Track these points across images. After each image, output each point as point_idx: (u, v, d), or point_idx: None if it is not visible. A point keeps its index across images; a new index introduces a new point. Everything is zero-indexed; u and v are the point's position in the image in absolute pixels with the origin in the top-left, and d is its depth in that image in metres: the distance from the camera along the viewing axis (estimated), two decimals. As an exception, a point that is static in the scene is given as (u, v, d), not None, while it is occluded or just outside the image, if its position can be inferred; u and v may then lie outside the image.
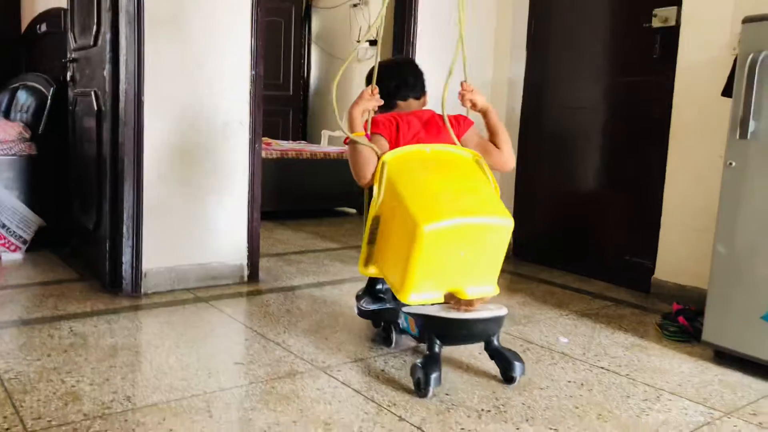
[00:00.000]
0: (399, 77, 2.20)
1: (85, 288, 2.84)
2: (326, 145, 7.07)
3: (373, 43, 7.29)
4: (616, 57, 3.49)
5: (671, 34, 3.11)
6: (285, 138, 7.33)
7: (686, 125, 3.07)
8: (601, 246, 3.54)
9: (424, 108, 2.21)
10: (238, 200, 3.03)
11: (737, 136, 2.22)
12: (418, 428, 1.70)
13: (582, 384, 2.07)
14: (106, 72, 2.72)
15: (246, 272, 3.07)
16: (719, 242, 2.30)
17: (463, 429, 1.72)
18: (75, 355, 2.06)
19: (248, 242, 3.07)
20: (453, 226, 1.73)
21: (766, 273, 2.16)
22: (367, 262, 1.96)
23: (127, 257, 2.73)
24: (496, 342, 2.00)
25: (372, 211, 1.86)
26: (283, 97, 7.80)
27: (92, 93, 2.89)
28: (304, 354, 2.19)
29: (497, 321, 1.96)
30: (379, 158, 1.91)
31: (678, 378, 2.17)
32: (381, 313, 2.28)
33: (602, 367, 2.23)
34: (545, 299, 3.07)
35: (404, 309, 2.04)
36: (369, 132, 2.01)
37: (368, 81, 2.12)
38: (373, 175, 1.90)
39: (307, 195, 5.18)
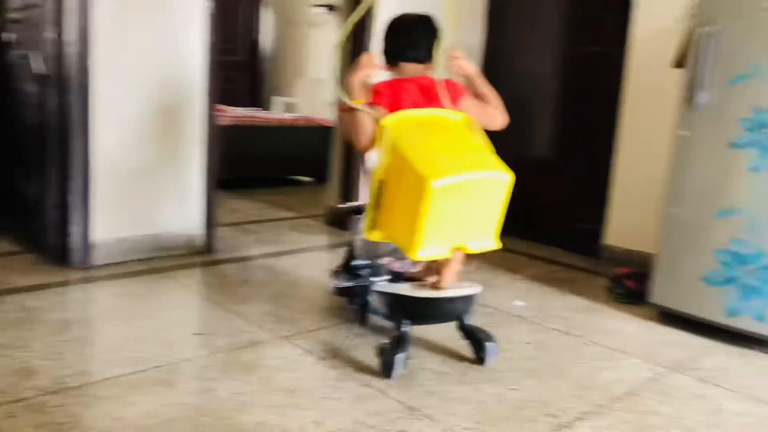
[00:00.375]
0: (407, 36, 2.06)
1: (30, 260, 2.74)
2: (280, 111, 6.97)
3: (330, 8, 7.17)
4: (571, 28, 3.52)
5: (625, 5, 3.15)
6: (235, 105, 7.18)
7: (638, 95, 3.14)
8: (553, 213, 3.62)
9: (427, 74, 2.08)
10: (194, 169, 2.96)
11: (688, 107, 2.29)
12: (382, 392, 1.73)
13: (538, 345, 2.14)
14: (51, 33, 2.59)
15: (202, 242, 3.02)
16: (669, 208, 2.39)
17: (426, 391, 1.76)
18: (25, 329, 2.00)
19: (205, 211, 3.02)
20: (458, 182, 1.71)
21: (708, 237, 2.25)
22: (373, 227, 1.88)
23: (76, 228, 2.65)
24: (467, 321, 1.98)
25: (376, 176, 1.81)
26: (233, 62, 7.60)
27: (35, 56, 2.75)
28: (265, 323, 2.18)
29: (467, 300, 1.94)
30: (377, 123, 1.88)
31: (626, 337, 2.26)
32: (356, 290, 2.20)
33: (557, 329, 2.31)
34: (499, 264, 3.14)
35: (375, 287, 2.03)
36: (369, 101, 1.95)
37: (385, 39, 2.09)
38: (370, 141, 1.90)
39: (261, 163, 5.10)
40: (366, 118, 1.89)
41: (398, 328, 1.89)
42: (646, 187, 3.09)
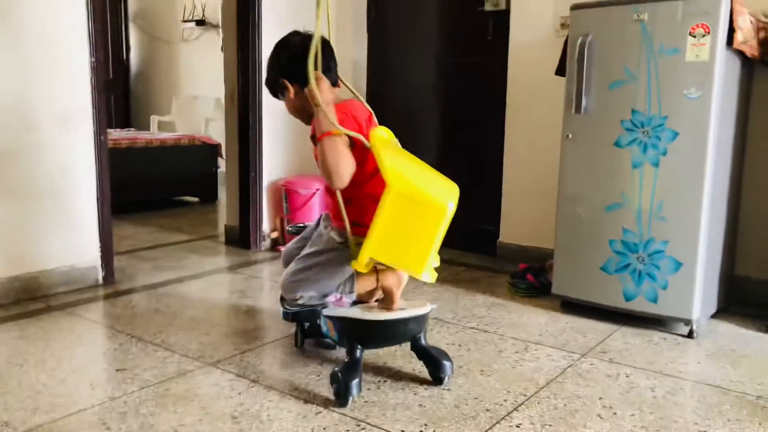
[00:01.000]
0: (324, 59, 1.80)
1: None
2: (156, 131, 6.71)
3: (199, 23, 7.01)
4: (453, 39, 3.71)
5: (502, 17, 3.37)
6: (108, 126, 6.83)
7: (519, 100, 3.37)
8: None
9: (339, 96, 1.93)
10: (85, 198, 2.81)
11: (573, 111, 2.50)
12: (324, 407, 1.75)
13: (460, 345, 2.25)
14: None
15: (101, 273, 2.87)
16: (562, 205, 2.59)
17: (366, 401, 1.79)
18: None
19: (100, 241, 2.87)
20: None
21: (601, 230, 2.47)
22: (370, 255, 1.70)
23: (-40, 270, 2.43)
24: (422, 341, 1.92)
25: (383, 207, 1.64)
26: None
27: None
28: (189, 351, 2.12)
29: (420, 320, 1.90)
30: (356, 146, 1.76)
31: (537, 329, 2.42)
32: (301, 315, 2.07)
33: (472, 327, 2.43)
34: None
35: (324, 312, 1.94)
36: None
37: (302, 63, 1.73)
38: (352, 172, 1.72)
39: (146, 185, 4.89)
40: (342, 145, 1.69)
41: (351, 352, 1.83)
42: (534, 186, 3.32)
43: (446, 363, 1.91)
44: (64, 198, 2.73)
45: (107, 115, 6.30)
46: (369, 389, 1.87)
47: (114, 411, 1.69)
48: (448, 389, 1.89)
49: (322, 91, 1.70)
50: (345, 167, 1.69)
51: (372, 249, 1.66)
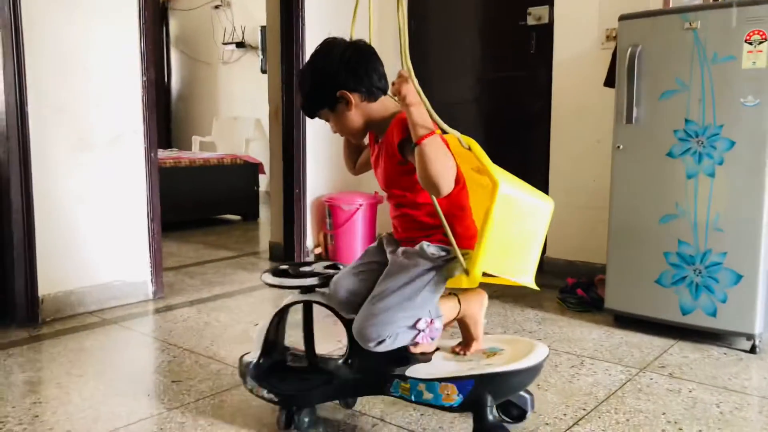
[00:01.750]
0: (380, 64, 1.66)
1: (-31, 323, 2.55)
2: (198, 150, 6.84)
3: (239, 45, 7.15)
4: (494, 54, 3.71)
5: (545, 31, 3.37)
6: (151, 147, 6.98)
7: (564, 114, 3.34)
8: (493, 231, 3.75)
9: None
10: (136, 214, 2.87)
11: (624, 122, 2.46)
12: (380, 419, 1.73)
13: (513, 360, 2.21)
14: (-20, 82, 2.46)
15: (151, 288, 2.91)
16: (614, 218, 2.55)
17: (422, 415, 1.77)
18: (-13, 395, 1.86)
19: (150, 257, 2.92)
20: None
21: (656, 242, 2.42)
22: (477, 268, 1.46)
23: (19, 284, 2.49)
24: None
25: (491, 210, 1.43)
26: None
27: None
28: (242, 364, 2.13)
29: (537, 370, 1.61)
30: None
31: (591, 344, 2.37)
32: (297, 398, 1.67)
33: (525, 343, 2.39)
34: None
35: (426, 375, 1.57)
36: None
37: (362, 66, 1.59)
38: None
39: (188, 204, 4.97)
40: (452, 161, 1.44)
41: (490, 414, 1.52)
42: (581, 200, 3.28)
43: (528, 396, 1.71)
44: (116, 214, 2.79)
45: (153, 135, 6.36)
46: (420, 408, 1.85)
47: (173, 421, 1.70)
48: (505, 403, 1.85)
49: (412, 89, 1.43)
50: (452, 170, 1.41)
51: (485, 258, 1.44)
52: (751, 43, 2.18)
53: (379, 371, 1.59)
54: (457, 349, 1.70)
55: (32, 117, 2.47)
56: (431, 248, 1.53)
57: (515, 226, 1.51)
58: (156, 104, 2.92)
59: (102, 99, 2.70)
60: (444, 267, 1.53)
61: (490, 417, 1.50)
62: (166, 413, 1.75)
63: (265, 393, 1.63)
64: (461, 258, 1.48)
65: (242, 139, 6.97)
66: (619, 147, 2.51)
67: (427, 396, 1.55)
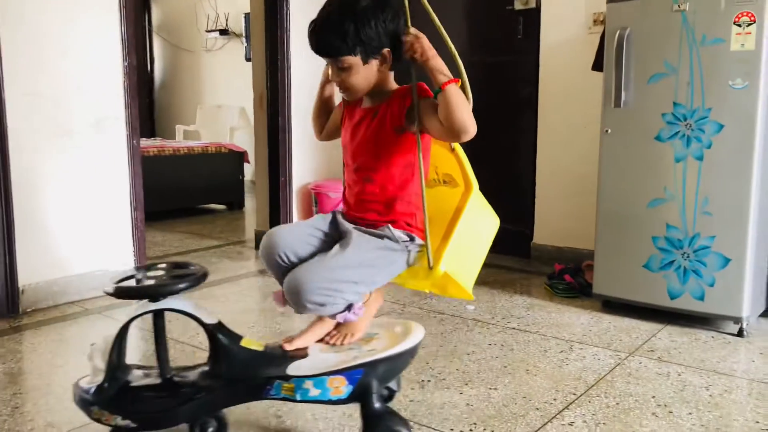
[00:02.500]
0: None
1: (-53, 314, 2.49)
2: (182, 139, 6.75)
3: (223, 32, 7.06)
4: (481, 39, 3.67)
5: (533, 16, 3.34)
6: (134, 136, 6.88)
7: (552, 99, 3.32)
8: (481, 218, 3.73)
9: None
10: (119, 203, 2.81)
11: (612, 106, 2.45)
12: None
13: (502, 345, 2.20)
14: (-46, 67, 2.39)
15: (135, 278, 2.86)
16: (602, 202, 2.53)
17: (411, 401, 1.75)
18: (-34, 387, 1.82)
19: (134, 246, 2.87)
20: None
21: (644, 227, 2.41)
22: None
23: (-1, 274, 2.44)
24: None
25: (461, 210, 1.52)
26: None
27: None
28: (228, 353, 2.10)
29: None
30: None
31: (580, 329, 2.37)
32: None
33: (513, 328, 2.38)
34: (440, 273, 3.19)
35: (311, 371, 1.46)
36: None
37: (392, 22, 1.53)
38: None
39: (173, 193, 4.90)
40: None
41: (377, 401, 1.46)
42: (569, 186, 3.27)
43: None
44: (98, 203, 2.74)
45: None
46: (413, 389, 1.83)
47: (158, 411, 1.67)
48: (495, 388, 1.84)
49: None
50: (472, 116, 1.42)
51: (450, 256, 1.45)
52: (739, 25, 2.17)
53: (255, 375, 1.45)
54: (333, 340, 1.55)
55: (9, 103, 2.41)
56: (397, 232, 1.48)
57: (475, 233, 1.55)
58: (138, 92, 2.86)
59: (81, 84, 2.64)
60: (409, 253, 1.50)
61: (378, 404, 1.45)
62: (150, 403, 1.72)
63: (119, 420, 1.39)
64: (430, 248, 1.45)
65: (227, 128, 6.90)
66: (607, 131, 2.49)
67: (314, 392, 1.45)
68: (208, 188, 5.34)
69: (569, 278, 2.86)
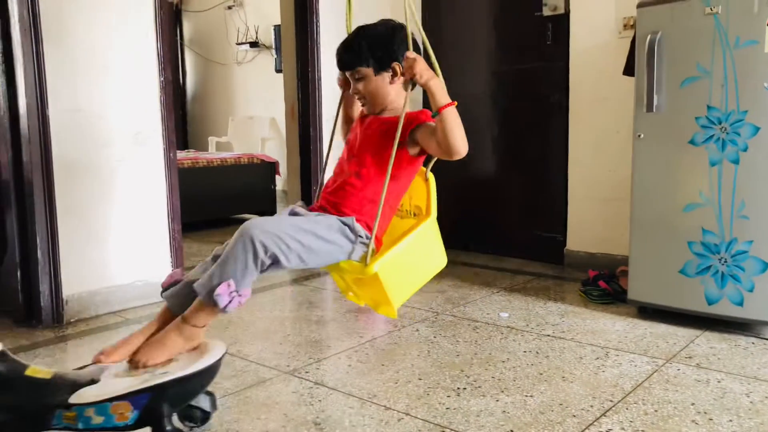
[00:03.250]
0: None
1: (-5, 324, 2.58)
2: (214, 151, 6.87)
3: (253, 45, 7.18)
4: (510, 46, 3.68)
5: (562, 21, 3.33)
6: (168, 148, 7.02)
7: (582, 104, 3.31)
8: (512, 226, 3.73)
9: None
10: (156, 214, 2.88)
11: (644, 110, 2.43)
12: (406, 414, 1.73)
13: (537, 352, 2.19)
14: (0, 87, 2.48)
15: (173, 288, 2.92)
16: (635, 208, 2.51)
17: (448, 408, 1.76)
18: (15, 395, 1.88)
19: (171, 257, 2.93)
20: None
21: (679, 232, 2.39)
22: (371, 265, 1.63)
23: (44, 286, 2.51)
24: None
25: (412, 230, 1.73)
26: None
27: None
28: (265, 360, 2.13)
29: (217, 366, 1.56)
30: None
31: (616, 335, 2.35)
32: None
33: (548, 335, 2.37)
34: (473, 280, 3.20)
35: (96, 398, 1.42)
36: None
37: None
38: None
39: (206, 204, 4.99)
40: None
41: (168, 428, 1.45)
42: (601, 191, 3.25)
43: (207, 396, 1.65)
44: (137, 215, 2.81)
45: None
46: (449, 396, 1.84)
47: (199, 418, 1.71)
48: (531, 395, 1.84)
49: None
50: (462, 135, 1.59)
51: (390, 262, 1.62)
52: (774, 27, 2.14)
53: (37, 404, 1.42)
54: (133, 361, 1.54)
55: (53, 119, 2.49)
56: (357, 226, 1.65)
57: (417, 256, 1.70)
58: (173, 105, 2.93)
59: (120, 99, 2.72)
60: (354, 248, 1.64)
61: (168, 428, 1.42)
62: (191, 410, 1.76)
63: None
64: (371, 249, 1.62)
65: (258, 139, 7.00)
66: (639, 136, 2.48)
67: (97, 420, 1.41)
68: (241, 198, 5.42)
69: (604, 284, 2.84)
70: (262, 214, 5.59)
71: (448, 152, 1.60)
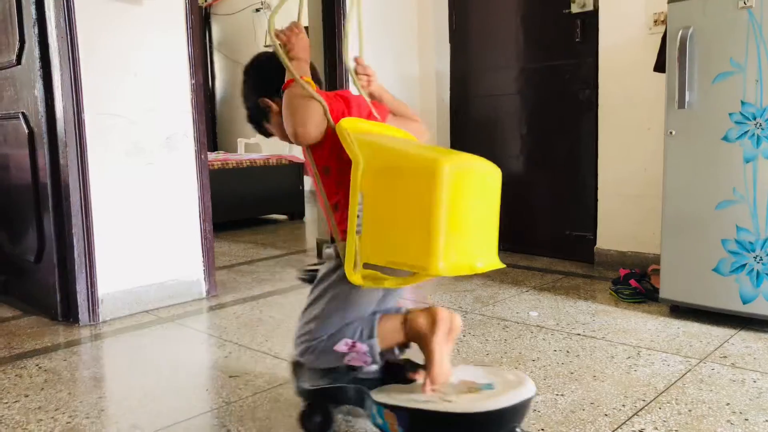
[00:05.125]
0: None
1: (34, 323, 2.64)
2: (243, 152, 6.94)
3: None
4: (538, 43, 3.66)
5: (591, 18, 3.31)
6: (198, 150, 7.12)
7: (612, 102, 3.27)
8: (542, 224, 3.71)
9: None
10: (189, 215, 2.93)
11: (676, 107, 2.40)
12: (436, 413, 1.73)
13: (568, 351, 2.18)
14: (37, 91, 2.55)
15: (205, 287, 2.97)
16: (667, 206, 2.48)
17: (478, 407, 1.76)
18: (55, 391, 1.93)
19: (203, 256, 2.98)
20: (469, 170, 1.35)
21: (713, 229, 2.35)
22: (359, 261, 1.33)
23: (81, 285, 2.57)
24: None
25: (355, 188, 1.33)
26: (191, 108, 7.56)
27: (20, 115, 2.69)
28: (296, 359, 2.16)
29: (526, 405, 1.40)
30: (328, 121, 1.42)
31: (648, 334, 2.32)
32: (328, 393, 1.57)
33: (579, 334, 2.35)
34: (502, 279, 3.19)
35: (377, 398, 1.45)
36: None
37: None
38: (316, 132, 1.41)
39: (237, 205, 5.05)
40: (316, 105, 1.40)
41: None
42: (632, 189, 3.21)
43: None
44: (170, 216, 2.86)
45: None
46: (479, 395, 1.84)
47: (232, 415, 1.74)
48: (562, 395, 1.83)
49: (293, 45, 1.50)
50: (312, 116, 1.38)
51: (353, 247, 1.31)
52: (810, 20, 2.10)
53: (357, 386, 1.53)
54: (416, 377, 1.49)
55: (88, 123, 2.55)
56: (329, 250, 1.49)
57: (394, 204, 1.32)
58: (203, 107, 2.98)
59: (154, 103, 2.77)
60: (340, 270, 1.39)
61: None
62: (225, 407, 1.79)
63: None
64: (340, 251, 1.38)
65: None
66: (671, 133, 2.44)
67: (378, 420, 1.44)
68: (270, 199, 5.48)
69: (635, 283, 2.80)
70: (291, 214, 5.65)
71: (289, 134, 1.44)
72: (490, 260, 1.38)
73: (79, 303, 2.57)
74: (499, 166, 1.44)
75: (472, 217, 1.34)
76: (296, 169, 5.63)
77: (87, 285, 2.58)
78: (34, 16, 2.51)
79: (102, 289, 2.63)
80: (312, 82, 1.45)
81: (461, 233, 1.30)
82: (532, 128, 3.74)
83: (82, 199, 2.55)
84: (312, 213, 5.52)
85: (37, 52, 2.52)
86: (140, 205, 2.76)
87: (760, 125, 2.22)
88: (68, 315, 2.62)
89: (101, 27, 2.59)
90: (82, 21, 2.51)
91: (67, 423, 1.71)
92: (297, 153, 6.53)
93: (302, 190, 5.66)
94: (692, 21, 2.35)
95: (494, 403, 1.35)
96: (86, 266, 2.58)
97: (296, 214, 5.68)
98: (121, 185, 2.69)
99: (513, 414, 1.38)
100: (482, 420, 1.34)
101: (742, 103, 2.26)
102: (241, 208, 5.17)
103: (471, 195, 1.33)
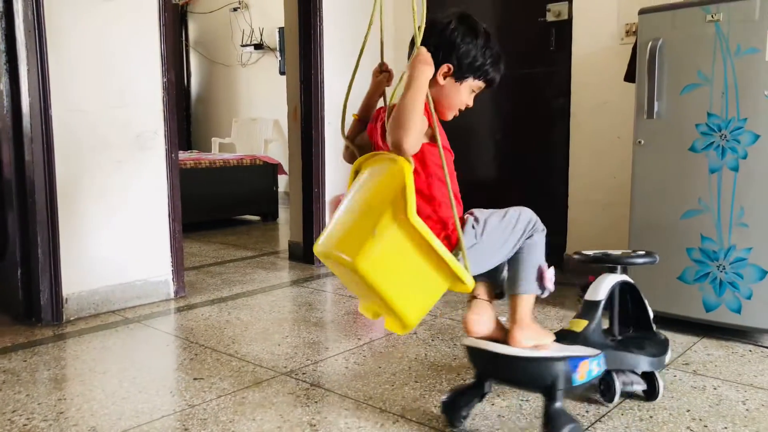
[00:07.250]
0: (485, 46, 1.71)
1: (-5, 322, 2.59)
2: (217, 152, 6.89)
3: (257, 47, 7.19)
4: (513, 51, 3.66)
5: (565, 27, 3.34)
6: (172, 149, 7.04)
7: (584, 111, 3.31)
8: (513, 229, 3.73)
9: None
10: (158, 214, 2.89)
11: (644, 117, 2.44)
12: (401, 416, 1.73)
13: (534, 357, 2.19)
14: (3, 85, 2.50)
15: (173, 287, 2.94)
16: (635, 214, 2.52)
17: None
18: (13, 392, 1.89)
19: (172, 256, 2.94)
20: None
21: (678, 238, 2.39)
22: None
23: (44, 284, 2.52)
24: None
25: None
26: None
27: None
28: (262, 361, 2.14)
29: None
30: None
31: (613, 341, 2.34)
32: None
33: (546, 340, 2.37)
34: (472, 284, 3.19)
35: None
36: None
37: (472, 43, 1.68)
38: (417, 142, 1.45)
39: (208, 205, 5.00)
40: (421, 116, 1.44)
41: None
42: (601, 196, 3.25)
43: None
44: (138, 215, 2.82)
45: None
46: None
47: (195, 418, 1.72)
48: (527, 400, 1.84)
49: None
50: (419, 124, 1.42)
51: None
52: (775, 35, 2.14)
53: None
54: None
55: (55, 119, 2.51)
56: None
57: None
58: (176, 106, 2.95)
59: (123, 100, 2.73)
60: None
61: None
62: (188, 410, 1.77)
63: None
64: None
65: (261, 140, 7.01)
66: (640, 142, 2.48)
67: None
68: (243, 200, 5.44)
69: (602, 290, 2.83)
70: (264, 216, 5.62)
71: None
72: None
73: (42, 302, 2.52)
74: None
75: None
76: (270, 170, 5.60)
77: (51, 284, 2.53)
78: (1, 9, 2.47)
79: (67, 288, 2.58)
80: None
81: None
82: (504, 134, 3.76)
83: (47, 196, 2.50)
84: (285, 215, 5.49)
85: (3, 46, 2.48)
86: (108, 203, 2.72)
87: (725, 137, 2.26)
88: (31, 314, 2.56)
89: (70, 21, 2.55)
90: (51, 14, 2.47)
91: (24, 425, 1.67)
92: (271, 153, 6.50)
93: (276, 191, 5.62)
94: (662, 33, 2.39)
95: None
96: (50, 265, 2.53)
97: (270, 215, 5.65)
98: (88, 183, 2.65)
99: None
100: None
101: (709, 114, 2.30)
102: (214, 208, 5.12)
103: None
